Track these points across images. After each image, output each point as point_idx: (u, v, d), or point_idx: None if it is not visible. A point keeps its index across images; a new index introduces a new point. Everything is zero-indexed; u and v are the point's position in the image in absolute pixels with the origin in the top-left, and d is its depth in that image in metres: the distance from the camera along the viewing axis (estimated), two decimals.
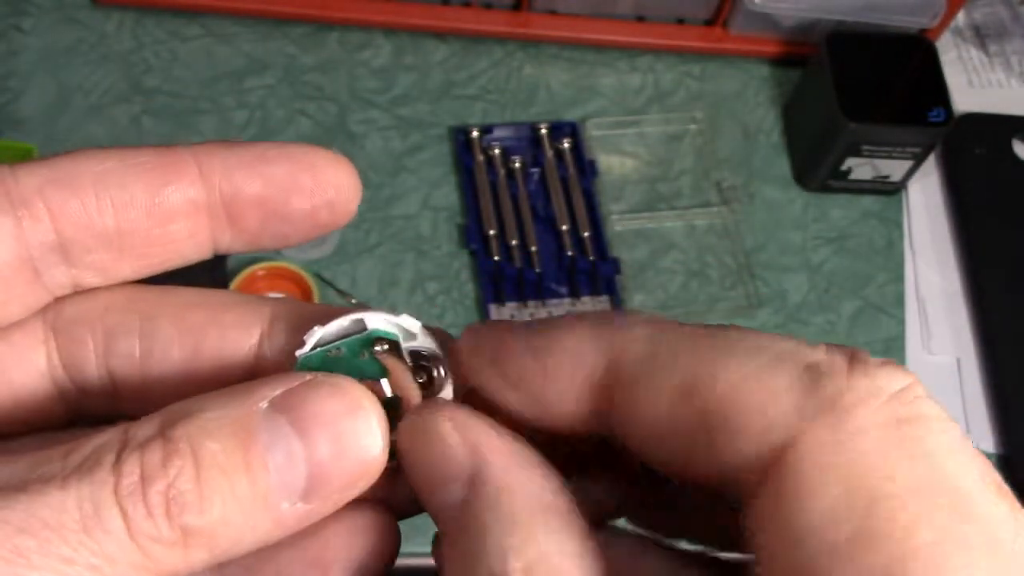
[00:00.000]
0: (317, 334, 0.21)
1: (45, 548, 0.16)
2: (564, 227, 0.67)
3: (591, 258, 0.66)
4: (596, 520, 0.21)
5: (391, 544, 0.21)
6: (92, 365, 0.22)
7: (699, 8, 0.75)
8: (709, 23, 0.76)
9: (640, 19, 0.75)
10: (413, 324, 0.22)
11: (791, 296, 0.68)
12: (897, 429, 0.16)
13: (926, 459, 0.16)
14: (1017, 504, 0.16)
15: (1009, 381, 0.65)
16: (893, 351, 0.67)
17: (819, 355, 0.17)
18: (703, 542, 0.23)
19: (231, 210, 0.21)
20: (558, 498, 0.19)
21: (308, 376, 0.19)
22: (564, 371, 0.20)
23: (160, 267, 0.22)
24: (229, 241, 0.22)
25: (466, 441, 0.19)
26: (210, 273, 0.61)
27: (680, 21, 0.75)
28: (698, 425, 0.18)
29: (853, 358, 0.17)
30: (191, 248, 0.22)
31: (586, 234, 0.67)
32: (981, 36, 0.81)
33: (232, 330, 0.22)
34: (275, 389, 0.19)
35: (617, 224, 0.69)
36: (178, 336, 0.22)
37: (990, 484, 0.16)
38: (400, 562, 0.22)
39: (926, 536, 0.15)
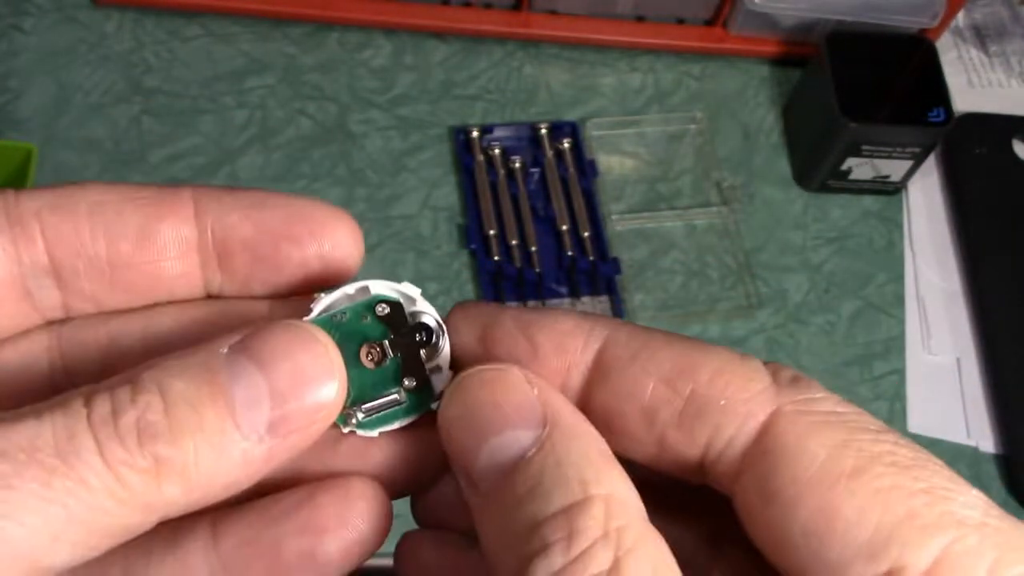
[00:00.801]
0: (323, 301, 0.22)
1: (22, 472, 0.17)
2: (564, 227, 0.67)
3: (591, 258, 0.66)
4: None
5: (383, 517, 0.22)
6: (95, 367, 0.22)
7: (699, 8, 0.75)
8: (709, 23, 0.76)
9: (640, 19, 0.75)
10: (414, 291, 0.23)
11: (791, 296, 0.68)
12: (847, 405, 0.20)
13: (872, 417, 0.20)
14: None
15: (1009, 381, 0.65)
16: (893, 351, 0.67)
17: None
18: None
19: (221, 250, 0.22)
20: (607, 446, 0.21)
21: (262, 322, 0.20)
22: (553, 351, 0.21)
23: (150, 301, 0.23)
24: (220, 283, 0.23)
25: (540, 391, 0.21)
26: None
27: (680, 21, 0.75)
28: (683, 409, 0.20)
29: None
30: (181, 285, 0.22)
31: (586, 234, 0.67)
32: (981, 36, 0.81)
33: (235, 325, 0.23)
34: (233, 338, 0.20)
35: (617, 224, 0.69)
36: (181, 332, 0.22)
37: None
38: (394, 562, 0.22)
39: (907, 454, 0.19)
